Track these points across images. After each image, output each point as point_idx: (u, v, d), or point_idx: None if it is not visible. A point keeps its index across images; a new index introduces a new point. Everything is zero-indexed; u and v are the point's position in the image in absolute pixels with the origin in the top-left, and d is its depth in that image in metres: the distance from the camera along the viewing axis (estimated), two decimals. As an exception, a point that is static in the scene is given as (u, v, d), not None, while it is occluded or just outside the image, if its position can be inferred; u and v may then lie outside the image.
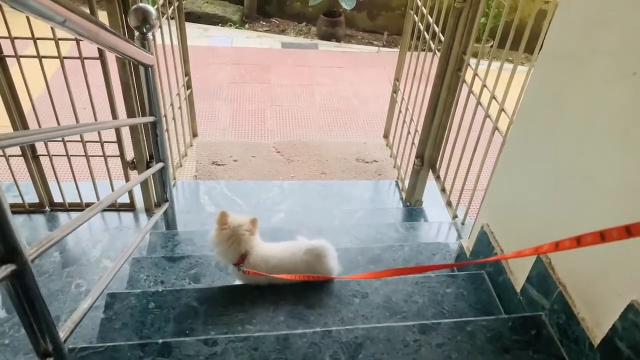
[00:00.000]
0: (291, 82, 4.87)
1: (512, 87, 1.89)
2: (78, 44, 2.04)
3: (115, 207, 2.66)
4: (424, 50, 2.78)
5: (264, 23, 6.54)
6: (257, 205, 2.98)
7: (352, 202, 3.10)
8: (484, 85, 2.13)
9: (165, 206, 2.25)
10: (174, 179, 3.09)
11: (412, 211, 2.93)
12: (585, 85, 1.26)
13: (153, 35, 1.85)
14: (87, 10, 1.74)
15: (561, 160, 1.37)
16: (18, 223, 0.82)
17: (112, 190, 2.48)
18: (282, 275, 1.65)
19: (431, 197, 2.90)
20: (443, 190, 2.71)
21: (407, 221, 2.80)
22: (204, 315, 1.62)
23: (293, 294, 1.67)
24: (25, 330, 0.94)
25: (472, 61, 2.26)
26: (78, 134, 2.23)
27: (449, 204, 2.65)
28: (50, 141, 2.40)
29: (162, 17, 2.66)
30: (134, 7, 1.74)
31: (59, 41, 2.05)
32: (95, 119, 2.24)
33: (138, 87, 2.21)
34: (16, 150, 2.38)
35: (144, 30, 1.77)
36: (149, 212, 2.66)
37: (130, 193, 2.65)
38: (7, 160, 2.37)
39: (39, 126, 2.25)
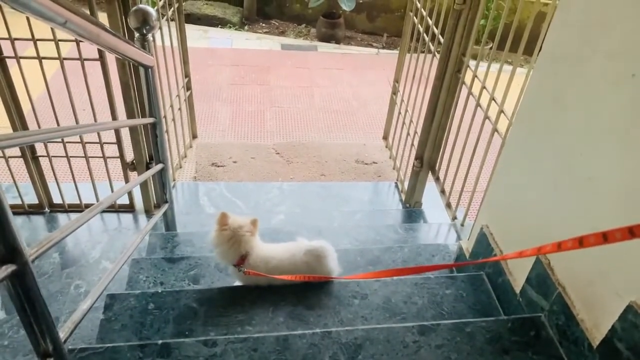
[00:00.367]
0: (291, 84, 4.87)
1: (512, 88, 1.90)
2: (78, 45, 2.04)
3: (114, 209, 2.66)
4: (423, 52, 2.78)
5: (263, 25, 6.55)
6: (257, 206, 2.98)
7: (352, 203, 3.10)
8: (483, 87, 2.13)
9: (164, 207, 2.25)
10: (174, 180, 3.09)
11: (412, 213, 2.93)
12: (584, 86, 1.27)
13: (153, 36, 1.85)
14: (87, 12, 1.74)
15: (560, 162, 1.37)
16: (17, 224, 0.82)
17: (112, 191, 2.48)
18: (282, 277, 1.65)
19: (431, 198, 2.90)
20: (442, 191, 2.71)
21: (407, 223, 2.80)
22: (204, 316, 1.62)
23: (293, 295, 1.67)
24: (25, 330, 0.94)
25: (472, 63, 2.27)
26: (78, 134, 2.23)
27: (448, 205, 2.66)
28: (50, 142, 2.41)
29: (162, 18, 2.66)
30: (134, 8, 1.74)
31: (59, 42, 2.05)
32: (95, 120, 2.24)
33: (138, 89, 2.21)
34: (16, 151, 2.38)
35: (144, 32, 1.77)
36: (148, 213, 2.66)
37: (130, 194, 2.65)
38: (7, 161, 2.37)
39: (39, 127, 2.25)
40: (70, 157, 2.39)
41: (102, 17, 1.89)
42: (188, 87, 3.33)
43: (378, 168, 3.58)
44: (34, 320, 0.93)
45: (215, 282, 1.93)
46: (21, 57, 2.06)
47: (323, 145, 3.86)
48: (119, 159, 2.45)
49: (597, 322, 1.25)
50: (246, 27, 6.41)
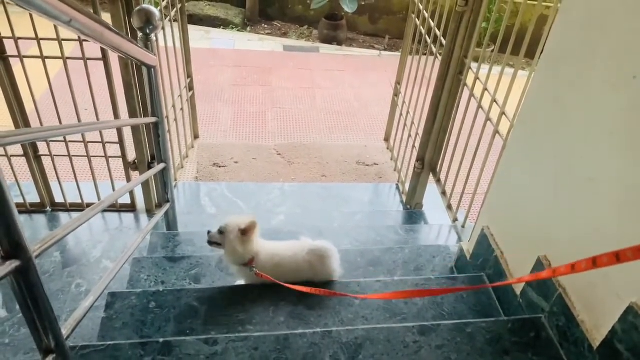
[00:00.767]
0: (292, 85, 4.88)
1: (513, 91, 1.90)
2: (81, 45, 2.05)
3: (116, 208, 2.66)
4: (425, 54, 2.79)
5: (265, 26, 6.56)
6: (258, 207, 2.98)
7: (352, 204, 3.11)
8: (485, 89, 2.14)
9: (166, 207, 2.25)
10: (175, 180, 3.10)
11: (413, 214, 2.93)
12: (585, 88, 1.27)
13: (156, 36, 1.86)
14: (91, 11, 1.75)
15: (561, 163, 1.38)
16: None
17: (114, 190, 2.49)
18: (297, 287, 1.61)
19: (432, 200, 2.90)
20: (444, 193, 2.72)
21: (408, 224, 2.81)
22: (205, 315, 1.62)
23: (293, 294, 1.67)
24: (28, 326, 0.95)
25: (474, 65, 2.27)
26: (80, 133, 2.24)
27: (449, 207, 2.66)
28: (52, 141, 2.41)
29: (165, 19, 2.67)
30: (138, 8, 1.75)
31: (62, 42, 2.06)
32: (97, 120, 2.24)
33: (140, 88, 2.22)
34: (18, 150, 2.39)
35: (147, 31, 1.78)
36: (149, 212, 2.67)
37: (132, 194, 2.66)
38: (9, 160, 2.38)
39: (42, 126, 2.25)
40: (73, 156, 2.40)
41: (106, 17, 1.90)
42: (190, 88, 3.34)
43: (379, 169, 3.59)
44: (37, 316, 0.93)
45: (216, 282, 1.93)
46: (25, 56, 2.07)
47: (324, 146, 3.86)
48: (120, 159, 2.46)
49: (598, 323, 1.25)
50: (248, 29, 6.42)
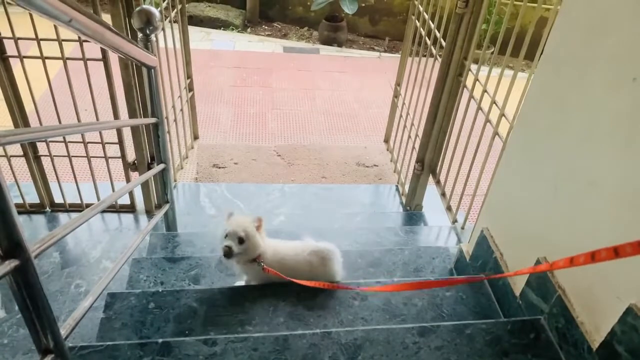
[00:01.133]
0: (293, 86, 4.88)
1: (513, 92, 1.90)
2: (81, 45, 2.05)
3: (115, 209, 2.66)
4: (425, 55, 2.79)
5: (266, 27, 6.56)
6: (258, 208, 2.98)
7: (352, 205, 3.11)
8: (484, 91, 2.14)
9: (165, 208, 2.25)
10: (175, 180, 3.10)
11: (412, 215, 2.93)
12: (585, 90, 1.27)
13: (156, 37, 1.86)
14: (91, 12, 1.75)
15: (561, 165, 1.38)
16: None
17: (113, 191, 2.49)
18: (303, 282, 1.59)
19: (431, 201, 2.90)
20: (443, 194, 2.72)
21: (407, 225, 2.81)
22: (204, 315, 1.62)
23: (293, 295, 1.67)
24: (26, 326, 0.95)
25: (473, 67, 2.28)
26: (79, 133, 2.24)
27: (449, 208, 2.66)
28: (52, 142, 2.41)
29: (165, 20, 2.67)
30: (138, 8, 1.75)
31: (62, 42, 2.06)
32: (97, 120, 2.25)
33: (140, 89, 2.22)
34: (18, 150, 2.39)
35: (148, 32, 1.78)
36: (149, 213, 2.67)
37: (131, 194, 2.66)
38: (9, 160, 2.38)
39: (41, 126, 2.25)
40: (72, 156, 2.40)
41: (106, 18, 1.90)
42: (190, 88, 3.34)
43: (379, 171, 3.59)
44: (36, 316, 0.93)
45: (215, 282, 1.93)
46: (24, 57, 2.07)
47: (324, 147, 3.87)
48: (120, 159, 2.46)
49: (597, 324, 1.25)
50: (249, 30, 6.43)
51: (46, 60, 2.11)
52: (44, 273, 2.16)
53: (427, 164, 2.76)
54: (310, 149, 3.81)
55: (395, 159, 3.52)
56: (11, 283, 0.87)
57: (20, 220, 0.83)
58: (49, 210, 2.60)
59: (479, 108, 2.20)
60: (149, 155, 2.47)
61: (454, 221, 2.59)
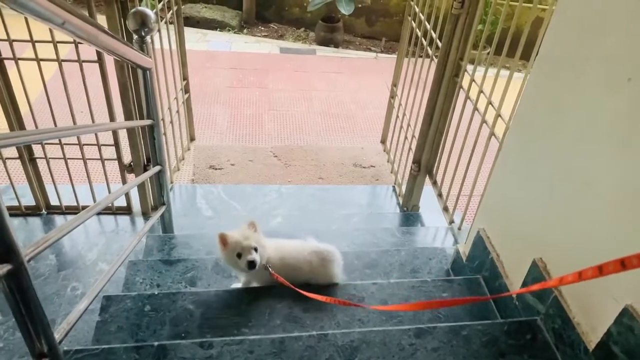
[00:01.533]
0: (289, 87, 4.88)
1: (509, 93, 1.90)
2: (76, 47, 2.05)
3: (112, 211, 2.65)
4: (421, 56, 2.79)
5: (262, 28, 6.56)
6: (254, 209, 2.98)
7: (349, 206, 3.10)
8: (480, 91, 2.14)
9: (162, 209, 2.25)
10: (171, 182, 3.09)
11: (409, 216, 2.93)
12: (580, 91, 1.27)
13: (151, 38, 1.85)
14: (86, 13, 1.74)
15: (557, 166, 1.38)
16: (14, 225, 0.82)
17: (109, 193, 2.48)
18: (312, 295, 1.57)
19: (428, 202, 2.90)
20: (440, 195, 2.72)
21: (404, 226, 2.80)
22: (200, 318, 1.61)
23: (289, 297, 1.67)
24: (20, 331, 0.94)
25: (469, 67, 2.28)
26: (75, 135, 2.23)
27: (445, 209, 2.66)
28: (47, 144, 2.40)
29: (161, 21, 2.67)
30: (133, 10, 1.75)
31: (57, 44, 2.05)
32: (93, 122, 2.24)
33: (136, 91, 2.21)
34: (13, 152, 2.38)
35: (143, 34, 1.77)
36: (145, 215, 2.66)
37: (127, 196, 2.65)
38: (4, 163, 2.37)
39: (37, 129, 2.25)
40: (68, 159, 2.39)
41: (101, 20, 1.90)
42: (186, 90, 3.33)
43: (376, 171, 3.59)
44: (29, 320, 0.93)
45: (211, 285, 1.93)
46: (19, 59, 2.06)
47: (321, 148, 3.86)
48: (116, 161, 2.45)
49: (593, 325, 1.25)
50: (245, 31, 6.42)
51: (41, 62, 2.10)
52: (40, 276, 2.15)
53: (424, 164, 2.76)
54: (307, 150, 3.81)
55: (392, 159, 3.51)
56: (4, 287, 0.86)
57: (14, 224, 0.82)
58: (45, 212, 2.59)
59: (475, 109, 2.20)
60: (145, 157, 2.46)
61: (451, 222, 2.59)
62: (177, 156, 3.27)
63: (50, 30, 1.91)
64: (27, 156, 2.38)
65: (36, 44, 2.05)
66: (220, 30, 6.23)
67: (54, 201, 2.57)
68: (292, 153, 3.75)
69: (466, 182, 2.38)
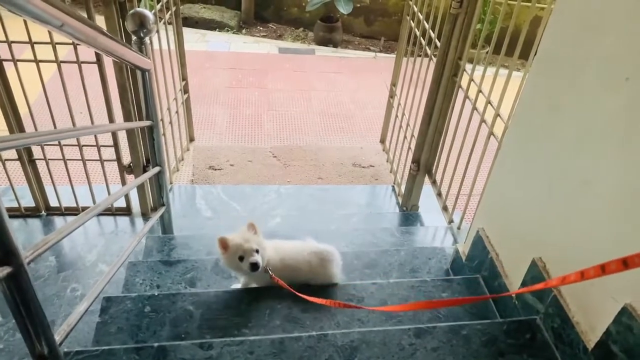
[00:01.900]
0: (288, 87, 4.88)
1: (508, 92, 1.91)
2: (75, 48, 2.05)
3: (111, 212, 2.65)
4: (420, 55, 2.80)
5: (261, 28, 6.56)
6: (254, 209, 2.98)
7: (349, 206, 3.10)
8: (479, 91, 2.14)
9: (161, 210, 2.25)
10: (171, 183, 3.09)
11: (409, 216, 2.93)
12: (579, 90, 1.27)
13: (150, 39, 1.85)
14: (85, 15, 1.74)
15: (556, 165, 1.38)
16: (14, 227, 0.82)
17: (109, 194, 2.48)
18: (313, 299, 1.56)
19: (427, 201, 2.90)
20: (439, 195, 2.72)
21: (403, 226, 2.81)
22: (200, 319, 1.62)
23: (289, 297, 1.67)
24: (20, 332, 0.94)
25: (468, 67, 2.28)
26: (75, 137, 2.23)
27: (444, 208, 2.66)
28: (47, 145, 2.40)
29: (160, 22, 2.66)
30: (132, 11, 1.75)
31: (56, 45, 2.05)
32: (92, 123, 2.24)
33: (135, 92, 2.21)
34: (13, 154, 2.38)
35: (141, 35, 1.77)
36: (145, 216, 2.66)
37: (127, 197, 2.65)
38: (4, 164, 2.37)
39: (36, 130, 2.25)
40: (67, 160, 2.39)
41: (100, 21, 1.90)
42: (185, 90, 3.33)
43: (375, 171, 3.59)
44: (29, 322, 0.93)
45: (211, 285, 1.93)
46: (18, 60, 2.06)
47: (320, 148, 3.86)
48: (116, 162, 2.45)
49: (592, 324, 1.25)
50: (244, 31, 6.42)
51: (40, 64, 2.10)
52: (40, 277, 2.15)
53: (423, 164, 2.77)
54: (306, 150, 3.81)
55: (391, 159, 3.52)
56: (4, 290, 0.87)
57: (14, 226, 0.82)
58: (45, 213, 2.59)
59: (474, 108, 2.20)
60: (144, 158, 2.46)
61: (450, 221, 2.59)
62: (176, 157, 3.27)
63: (49, 32, 1.90)
64: (26, 157, 2.38)
65: (35, 45, 2.05)
66: (219, 31, 6.23)
67: (53, 202, 2.58)
68: (291, 153, 3.75)
69: (465, 182, 2.38)
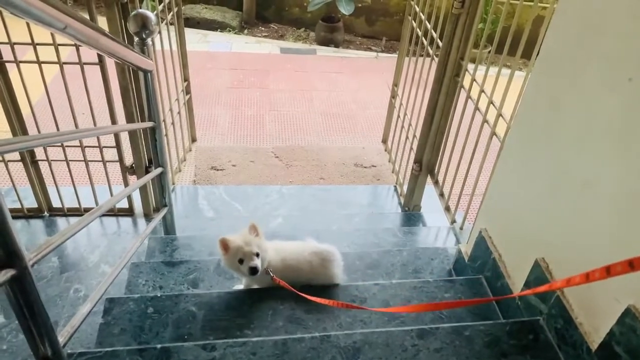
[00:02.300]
0: (290, 88, 4.88)
1: (510, 92, 1.90)
2: (78, 50, 2.05)
3: (114, 212, 2.66)
4: (422, 55, 2.79)
5: (262, 28, 6.56)
6: (256, 210, 2.98)
7: (351, 207, 3.10)
8: (481, 91, 2.14)
9: (164, 211, 2.25)
10: (173, 183, 3.09)
11: (411, 216, 2.93)
12: (581, 90, 1.27)
13: (152, 40, 1.85)
14: (87, 16, 1.74)
15: (558, 165, 1.38)
16: (17, 228, 0.82)
17: (111, 195, 2.48)
18: (316, 299, 1.56)
19: (429, 202, 2.90)
20: (441, 195, 2.71)
21: (406, 226, 2.80)
22: (203, 320, 1.62)
23: (291, 299, 1.67)
24: (24, 334, 0.94)
25: (470, 67, 2.28)
26: (77, 139, 2.23)
27: (447, 208, 2.66)
28: (49, 146, 2.41)
29: (162, 22, 2.67)
30: (134, 13, 1.75)
31: (59, 47, 2.05)
32: (95, 124, 2.24)
33: (137, 93, 2.22)
34: (15, 155, 2.38)
35: (144, 36, 1.78)
36: (147, 217, 2.66)
37: (129, 198, 2.65)
38: (6, 166, 2.37)
39: (38, 131, 2.25)
40: (70, 161, 2.40)
41: (102, 22, 1.90)
42: (187, 91, 3.34)
43: (377, 171, 3.59)
44: (33, 324, 0.93)
45: (214, 286, 1.93)
46: (21, 62, 2.06)
47: (322, 148, 3.86)
48: (118, 163, 2.45)
49: (596, 325, 1.25)
50: (245, 31, 6.42)
51: (42, 65, 2.10)
52: (43, 278, 2.16)
53: (425, 164, 2.76)
54: (308, 150, 3.81)
55: (393, 159, 3.51)
56: (8, 292, 0.87)
57: (18, 227, 0.83)
58: (47, 214, 2.60)
59: (477, 108, 2.19)
60: (146, 159, 2.46)
61: (453, 221, 2.58)
62: (178, 157, 3.28)
63: (51, 33, 1.91)
64: (29, 159, 2.38)
65: (37, 46, 2.05)
66: (220, 31, 6.23)
67: (56, 203, 2.58)
68: (293, 153, 3.75)
69: (468, 182, 2.38)
